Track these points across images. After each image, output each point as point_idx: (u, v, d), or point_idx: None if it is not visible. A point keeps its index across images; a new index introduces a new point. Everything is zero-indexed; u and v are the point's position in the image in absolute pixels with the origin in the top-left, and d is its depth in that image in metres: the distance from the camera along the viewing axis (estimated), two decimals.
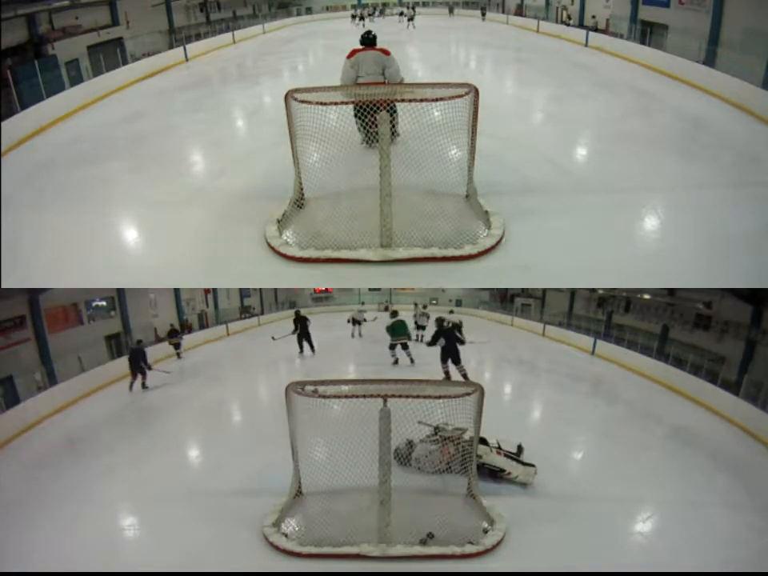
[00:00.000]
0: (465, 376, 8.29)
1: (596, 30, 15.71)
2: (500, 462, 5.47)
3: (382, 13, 26.54)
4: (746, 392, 8.16)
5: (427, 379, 4.40)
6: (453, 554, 4.20)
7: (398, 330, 9.94)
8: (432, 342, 8.37)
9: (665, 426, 7.72)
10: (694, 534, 4.65)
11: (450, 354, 8.30)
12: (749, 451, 6.88)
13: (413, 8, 22.74)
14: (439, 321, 8.75)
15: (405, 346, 9.95)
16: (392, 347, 10.08)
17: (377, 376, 6.53)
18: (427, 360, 9.72)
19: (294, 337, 11.66)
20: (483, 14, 23.47)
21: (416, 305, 14.82)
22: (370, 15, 24.50)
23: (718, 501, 5.32)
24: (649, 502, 5.21)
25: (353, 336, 14.15)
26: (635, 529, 4.78)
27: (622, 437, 7.07)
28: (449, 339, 8.30)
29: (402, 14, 22.95)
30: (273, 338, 11.87)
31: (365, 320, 14.25)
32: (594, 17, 16.88)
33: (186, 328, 15.27)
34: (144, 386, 9.70)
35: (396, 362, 10.09)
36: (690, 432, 7.43)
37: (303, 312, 12.31)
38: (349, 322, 14.32)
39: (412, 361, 10.03)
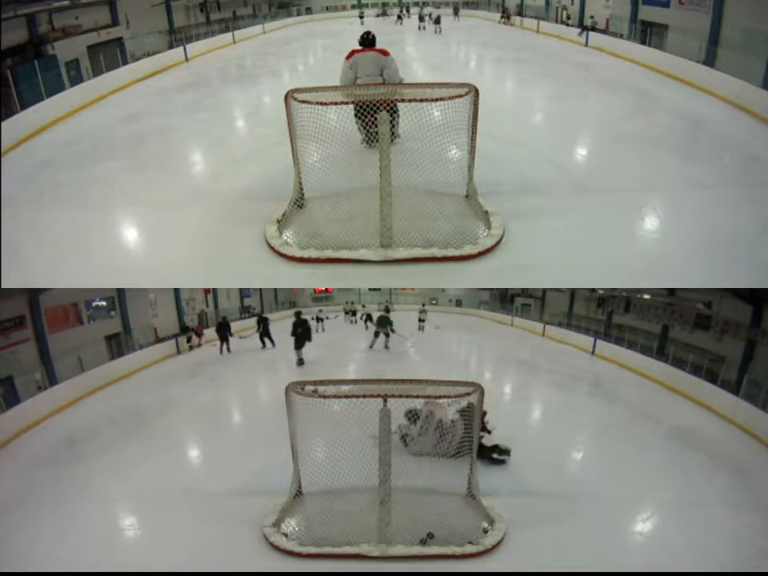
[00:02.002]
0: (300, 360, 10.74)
1: (594, 29, 15.68)
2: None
3: (392, 14, 26.30)
4: (746, 392, 8.17)
5: (427, 379, 4.39)
6: (453, 554, 4.20)
7: (380, 322, 12.42)
8: (293, 332, 10.60)
9: (665, 426, 7.73)
10: (693, 534, 4.65)
11: (301, 341, 10.57)
12: (749, 451, 6.88)
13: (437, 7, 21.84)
14: (297, 314, 10.99)
15: (386, 335, 12.30)
16: (376, 334, 12.53)
17: (377, 376, 6.55)
18: (422, 349, 12.89)
19: (257, 334, 13.33)
20: (503, 15, 21.26)
21: (423, 304, 18.15)
22: (426, 17, 21.66)
23: (718, 501, 5.33)
24: (649, 502, 5.22)
25: (316, 331, 15.75)
26: (635, 529, 4.78)
27: (622, 437, 7.07)
28: (304, 329, 10.61)
29: (429, 15, 21.29)
30: (240, 336, 13.28)
31: (327, 317, 17.33)
32: (592, 17, 16.86)
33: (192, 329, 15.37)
34: (228, 350, 12.90)
35: (372, 345, 12.45)
36: (690, 432, 7.43)
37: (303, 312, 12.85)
38: (313, 319, 16.31)
39: (387, 347, 12.41)
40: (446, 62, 13.91)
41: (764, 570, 4.27)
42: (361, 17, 23.67)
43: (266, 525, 4.49)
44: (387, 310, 13.09)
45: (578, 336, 14.53)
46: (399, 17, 23.65)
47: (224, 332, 13.01)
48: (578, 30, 16.03)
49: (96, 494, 5.43)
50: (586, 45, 15.10)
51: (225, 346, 13.01)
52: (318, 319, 16.90)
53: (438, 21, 19.83)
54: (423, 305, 17.85)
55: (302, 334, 10.57)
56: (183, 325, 15.43)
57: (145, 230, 5.15)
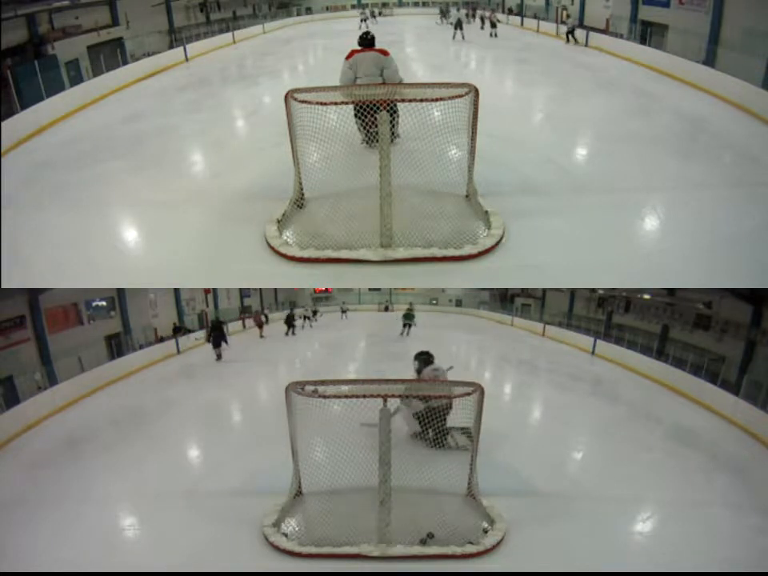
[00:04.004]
0: (219, 355, 12.42)
1: (580, 27, 15.67)
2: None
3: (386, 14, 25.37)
4: (746, 392, 8.16)
5: (426, 379, 4.39)
6: (453, 554, 4.19)
7: (406, 317, 15.88)
8: (209, 332, 12.79)
9: (665, 426, 7.73)
10: (693, 534, 4.64)
11: (218, 340, 12.43)
12: (749, 451, 6.88)
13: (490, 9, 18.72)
14: (215, 321, 13.40)
15: (409, 326, 15.72)
16: (404, 325, 15.77)
17: (377, 376, 6.54)
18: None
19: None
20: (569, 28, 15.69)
21: (410, 303, 19.75)
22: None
23: (718, 501, 5.33)
24: (649, 502, 5.21)
25: (302, 327, 18.15)
26: (635, 529, 4.78)
27: (622, 437, 7.07)
28: (219, 330, 12.74)
29: (443, 14, 18.52)
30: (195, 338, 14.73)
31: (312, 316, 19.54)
32: (569, 16, 16.72)
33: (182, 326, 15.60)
34: (294, 333, 16.63)
35: (401, 333, 15.64)
36: (690, 432, 7.43)
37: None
38: (300, 318, 18.64)
39: (407, 334, 15.49)
40: (445, 62, 13.90)
41: (764, 570, 4.27)
42: (364, 20, 22.07)
43: (266, 525, 4.49)
44: (410, 309, 16.70)
45: (577, 336, 14.53)
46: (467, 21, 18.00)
47: (291, 320, 16.57)
48: (566, 34, 15.81)
49: (96, 493, 5.43)
50: (586, 45, 15.09)
51: (291, 331, 16.53)
52: (306, 317, 18.86)
53: (459, 25, 16.67)
54: (410, 303, 19.26)
55: (217, 335, 12.55)
56: (180, 325, 15.53)
57: (145, 230, 5.15)
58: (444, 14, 22.55)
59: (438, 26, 20.54)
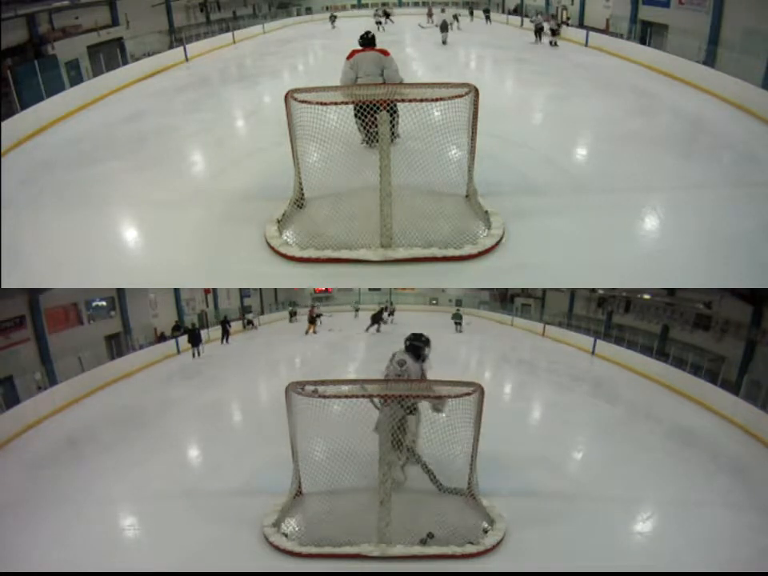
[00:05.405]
0: (193, 354, 13.15)
1: (590, 29, 15.65)
2: None
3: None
4: (746, 392, 8.17)
5: (426, 379, 4.39)
6: (453, 554, 4.19)
7: (455, 317, 17.23)
8: (189, 333, 13.57)
9: (665, 426, 7.73)
10: (693, 533, 4.65)
11: (196, 341, 13.11)
12: (749, 451, 6.88)
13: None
14: (194, 324, 14.65)
15: (459, 324, 17.08)
16: (456, 323, 17.15)
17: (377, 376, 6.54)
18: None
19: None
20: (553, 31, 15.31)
21: (388, 301, 20.91)
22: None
23: (718, 501, 5.33)
24: (649, 502, 5.22)
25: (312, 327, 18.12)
26: (635, 529, 4.78)
27: (622, 437, 7.08)
28: (194, 332, 13.43)
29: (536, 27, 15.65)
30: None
31: (322, 314, 19.11)
32: (544, 15, 16.55)
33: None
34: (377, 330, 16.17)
35: (456, 330, 17.06)
36: (690, 432, 7.44)
37: None
38: (312, 314, 18.55)
39: (461, 330, 17.04)
40: (445, 62, 13.90)
41: (764, 570, 4.28)
42: (379, 22, 20.40)
43: (266, 525, 4.49)
44: (458, 311, 18.20)
45: (577, 336, 14.54)
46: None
47: (379, 318, 16.53)
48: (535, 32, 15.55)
49: (96, 494, 5.43)
50: (586, 44, 15.11)
51: (377, 327, 16.23)
52: (318, 315, 18.35)
53: (444, 27, 15.53)
54: (391, 303, 20.26)
55: (194, 336, 13.18)
56: (179, 324, 15.56)
57: (145, 230, 5.15)
58: (387, 15, 21.61)
59: (422, 29, 19.62)
